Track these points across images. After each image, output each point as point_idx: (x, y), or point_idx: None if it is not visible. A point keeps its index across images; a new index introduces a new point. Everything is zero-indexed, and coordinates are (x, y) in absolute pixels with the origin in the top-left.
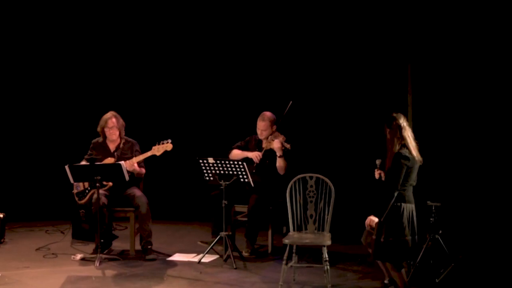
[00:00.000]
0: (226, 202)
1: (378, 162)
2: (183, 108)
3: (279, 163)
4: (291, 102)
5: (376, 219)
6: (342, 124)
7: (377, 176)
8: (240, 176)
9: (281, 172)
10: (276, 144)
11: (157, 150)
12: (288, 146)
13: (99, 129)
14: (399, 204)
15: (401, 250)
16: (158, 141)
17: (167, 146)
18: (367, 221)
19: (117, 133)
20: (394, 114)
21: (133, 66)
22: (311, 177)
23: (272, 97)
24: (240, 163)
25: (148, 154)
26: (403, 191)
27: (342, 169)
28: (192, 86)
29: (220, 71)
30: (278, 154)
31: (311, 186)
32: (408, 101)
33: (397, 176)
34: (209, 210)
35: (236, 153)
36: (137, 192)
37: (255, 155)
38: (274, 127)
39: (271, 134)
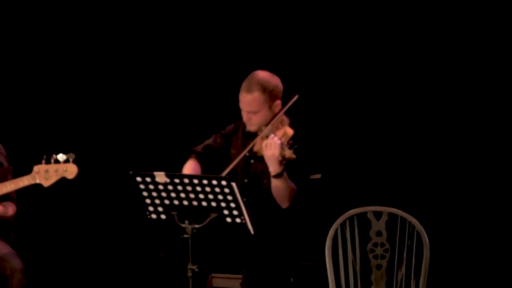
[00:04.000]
0: (195, 267)
1: None
2: (102, 90)
3: (276, 186)
4: (297, 95)
5: None
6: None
7: None
8: (226, 212)
9: (283, 203)
10: (268, 150)
11: (44, 176)
12: (289, 153)
13: None
14: None
15: None
16: (46, 156)
17: (67, 169)
18: None
19: None
20: None
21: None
22: (378, 214)
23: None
24: (225, 182)
25: (25, 182)
26: None
27: (439, 195)
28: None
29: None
30: (271, 170)
31: (379, 234)
32: None
33: None
34: (158, 286)
35: (191, 169)
36: (3, 249)
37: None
38: (278, 104)
39: (270, 122)
